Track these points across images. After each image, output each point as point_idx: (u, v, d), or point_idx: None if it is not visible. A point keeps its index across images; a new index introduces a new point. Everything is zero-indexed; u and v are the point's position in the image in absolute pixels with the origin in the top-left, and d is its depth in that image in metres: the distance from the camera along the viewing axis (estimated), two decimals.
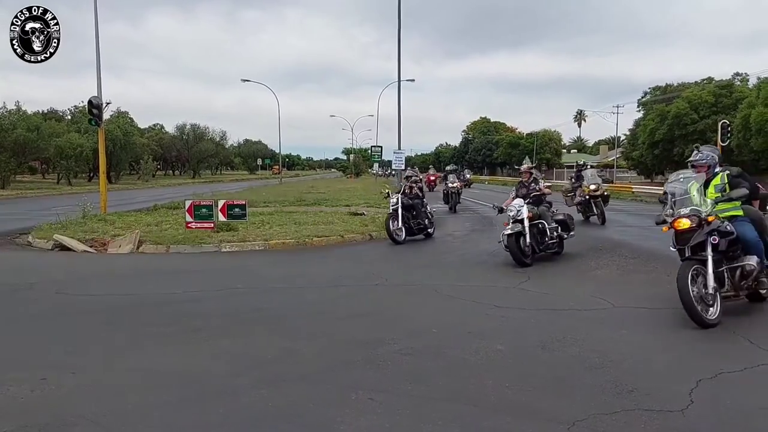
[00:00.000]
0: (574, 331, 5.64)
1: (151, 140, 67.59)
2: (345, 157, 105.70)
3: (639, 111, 53.12)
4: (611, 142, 68.91)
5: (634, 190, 33.09)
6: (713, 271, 5.74)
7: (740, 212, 6.24)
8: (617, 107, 64.99)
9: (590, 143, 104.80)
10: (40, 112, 55.48)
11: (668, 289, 7.17)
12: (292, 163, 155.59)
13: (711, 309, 5.72)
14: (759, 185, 7.04)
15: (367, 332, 5.71)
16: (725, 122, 25.37)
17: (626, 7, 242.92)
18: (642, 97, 53.44)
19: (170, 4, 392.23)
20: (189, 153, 75.68)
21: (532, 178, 10.84)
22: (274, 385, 4.31)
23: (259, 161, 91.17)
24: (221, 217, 12.90)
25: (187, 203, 13.07)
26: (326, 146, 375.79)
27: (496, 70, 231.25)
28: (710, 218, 5.85)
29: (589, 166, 19.27)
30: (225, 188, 38.43)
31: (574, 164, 20.22)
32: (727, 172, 6.37)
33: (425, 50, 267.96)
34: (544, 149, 79.84)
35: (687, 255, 5.96)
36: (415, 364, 4.76)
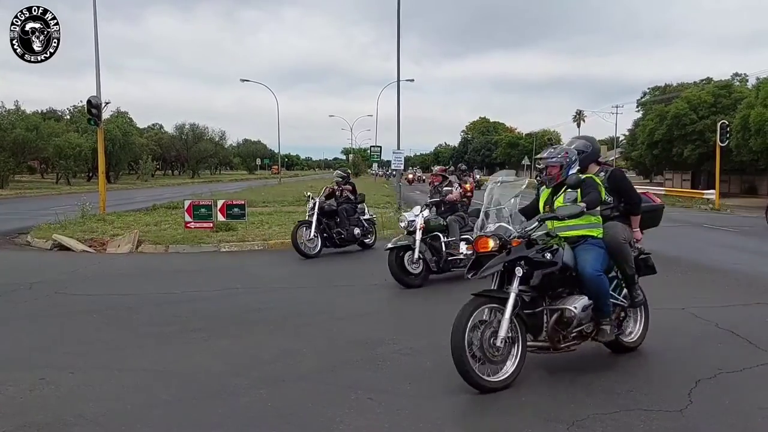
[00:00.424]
0: None
1: (150, 140, 67.55)
2: (344, 157, 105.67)
3: (638, 111, 53.12)
4: (610, 143, 68.93)
5: None
6: (512, 315, 4.13)
7: (596, 232, 4.63)
8: (616, 107, 65.09)
9: None
10: (39, 111, 55.49)
11: (667, 290, 7.19)
12: (291, 163, 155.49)
13: (499, 367, 4.15)
14: (651, 196, 5.51)
15: (366, 332, 5.72)
16: (724, 122, 25.35)
17: (626, 7, 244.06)
18: (641, 98, 53.42)
19: (169, 4, 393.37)
20: (188, 153, 75.66)
21: (447, 182, 9.54)
22: (273, 384, 4.32)
23: (258, 161, 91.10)
24: (220, 217, 12.90)
25: (186, 203, 13.06)
26: (325, 146, 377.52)
27: (495, 70, 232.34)
28: (515, 242, 4.29)
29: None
30: (224, 188, 38.39)
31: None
32: (582, 176, 4.68)
33: (424, 50, 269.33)
34: (542, 149, 79.94)
35: (493, 287, 4.37)
36: (414, 363, 4.77)
